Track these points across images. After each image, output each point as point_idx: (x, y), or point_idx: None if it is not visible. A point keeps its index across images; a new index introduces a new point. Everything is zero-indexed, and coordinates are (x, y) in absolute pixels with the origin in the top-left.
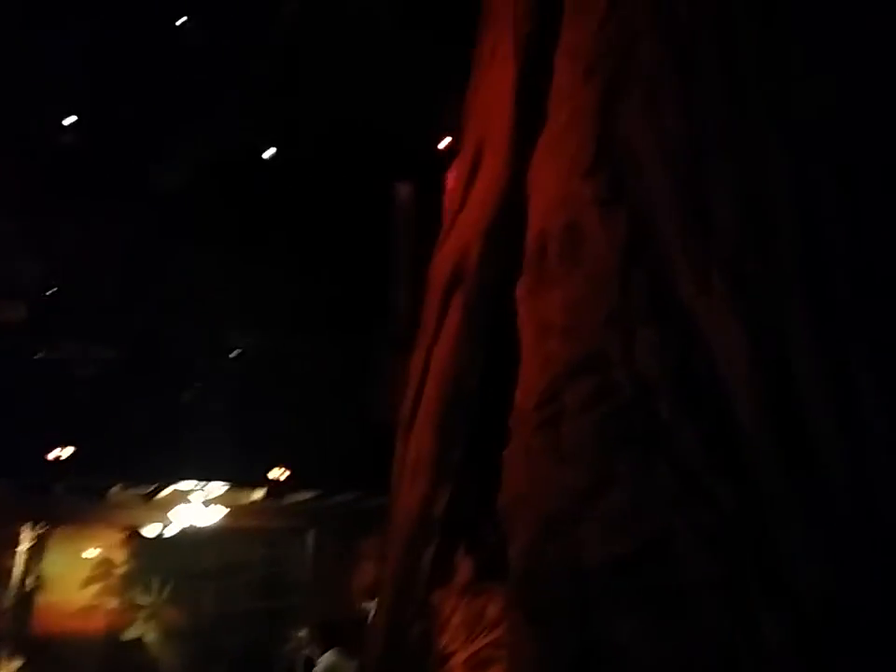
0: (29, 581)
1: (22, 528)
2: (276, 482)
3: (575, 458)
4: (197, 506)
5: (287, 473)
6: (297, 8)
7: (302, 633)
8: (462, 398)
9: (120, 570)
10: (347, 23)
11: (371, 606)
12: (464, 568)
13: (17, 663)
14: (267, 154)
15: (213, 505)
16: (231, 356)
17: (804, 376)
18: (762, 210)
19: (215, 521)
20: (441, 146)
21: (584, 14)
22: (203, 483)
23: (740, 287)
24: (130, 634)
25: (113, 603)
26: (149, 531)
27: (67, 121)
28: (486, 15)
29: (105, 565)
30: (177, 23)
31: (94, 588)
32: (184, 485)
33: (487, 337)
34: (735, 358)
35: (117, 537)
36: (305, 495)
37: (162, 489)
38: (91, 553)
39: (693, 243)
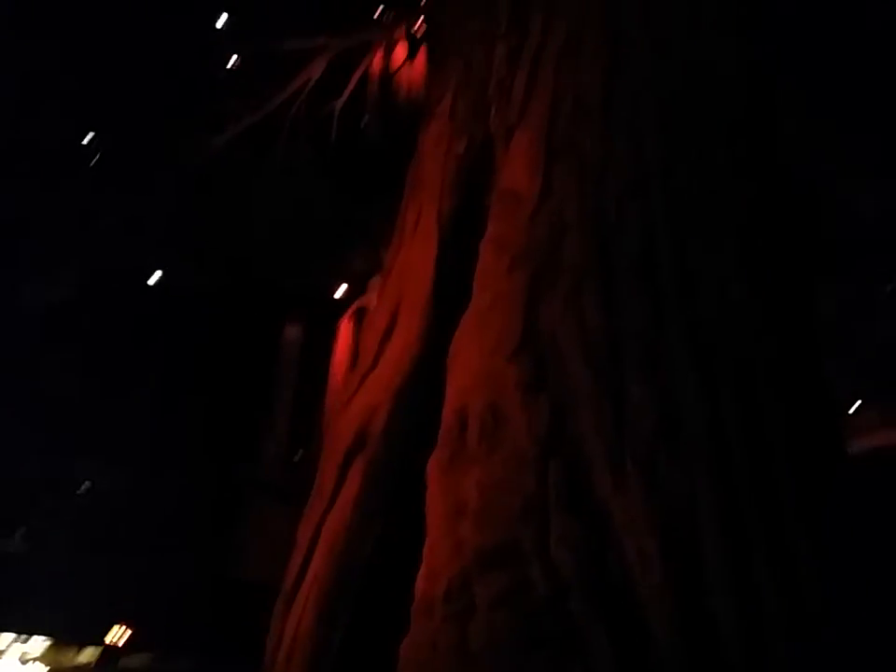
0: None
1: None
2: (113, 645)
3: (485, 659)
4: (12, 663)
5: (128, 633)
6: (220, 149)
7: None
8: (351, 577)
9: None
10: (267, 169)
11: None
12: None
13: None
14: (153, 279)
15: (32, 663)
16: (78, 491)
17: (713, 575)
18: (671, 404)
19: None
20: (337, 294)
21: (513, 206)
22: (24, 636)
23: (653, 483)
24: None
25: None
26: None
27: None
28: (413, 185)
29: None
30: (84, 141)
31: None
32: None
33: (387, 511)
34: (650, 567)
35: None
36: (144, 658)
37: None
38: None
39: (609, 435)
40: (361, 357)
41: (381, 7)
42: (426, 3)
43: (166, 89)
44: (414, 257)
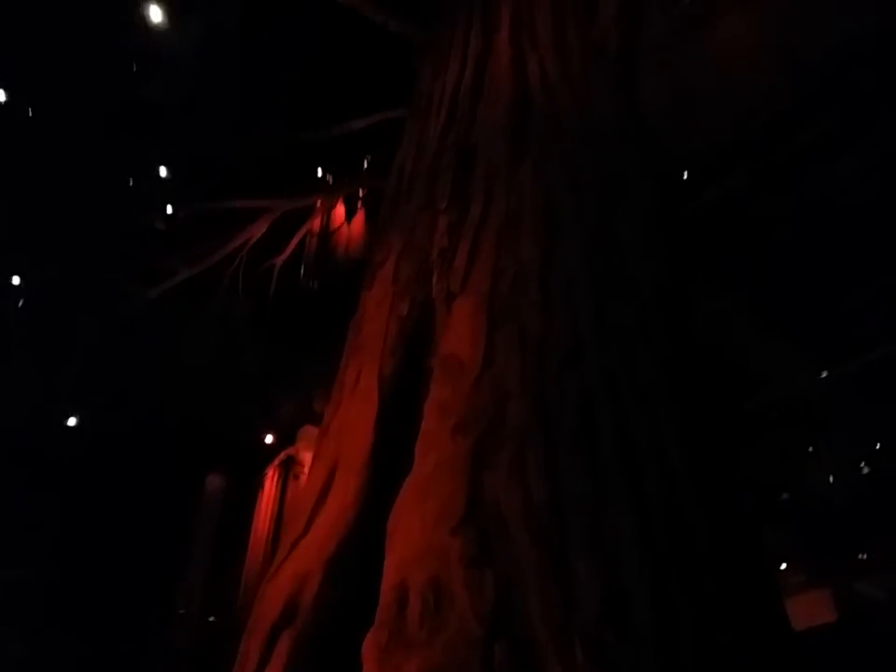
0: None
1: None
2: None
3: None
4: None
5: None
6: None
7: None
8: None
9: None
10: (199, 316)
11: None
12: None
13: None
14: (71, 421)
15: None
16: None
17: None
18: (617, 582)
19: None
20: (265, 441)
21: (455, 371)
22: None
23: (602, 667)
24: None
25: None
26: None
27: None
28: (354, 345)
29: None
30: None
31: None
32: None
33: None
34: None
35: None
36: None
37: None
38: None
39: (557, 616)
40: (292, 521)
41: (324, 171)
42: (367, 171)
43: (101, 234)
44: (353, 417)
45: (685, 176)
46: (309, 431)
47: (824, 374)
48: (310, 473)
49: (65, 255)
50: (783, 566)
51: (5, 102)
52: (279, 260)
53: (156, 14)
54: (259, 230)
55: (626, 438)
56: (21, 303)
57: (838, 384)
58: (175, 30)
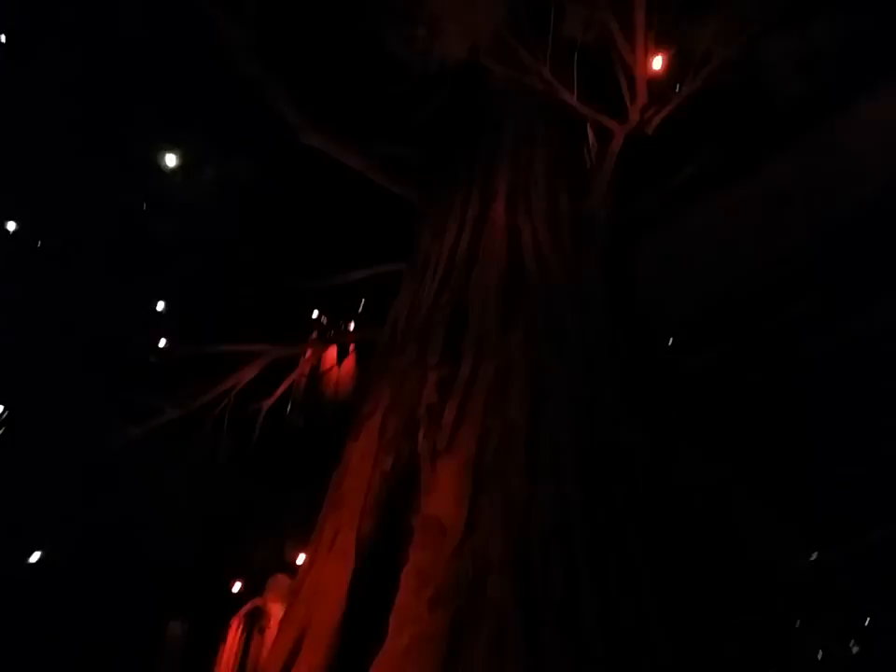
0: None
1: None
2: None
3: None
4: None
5: None
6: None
7: None
8: None
9: None
10: (180, 451)
11: None
12: None
13: None
14: (33, 557)
15: None
16: None
17: None
18: None
19: None
20: (232, 589)
21: (436, 536)
22: None
23: None
24: None
25: None
26: None
27: None
28: (335, 500)
29: None
30: None
31: None
32: None
33: None
34: None
35: None
36: None
37: None
38: None
39: None
40: None
41: (318, 315)
42: (360, 320)
43: (90, 365)
44: (327, 577)
45: (671, 342)
46: (279, 581)
47: (815, 555)
48: (278, 637)
49: (51, 382)
50: None
51: (13, 231)
52: (266, 404)
53: (171, 160)
54: (249, 374)
55: (612, 621)
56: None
57: (832, 563)
58: (189, 175)
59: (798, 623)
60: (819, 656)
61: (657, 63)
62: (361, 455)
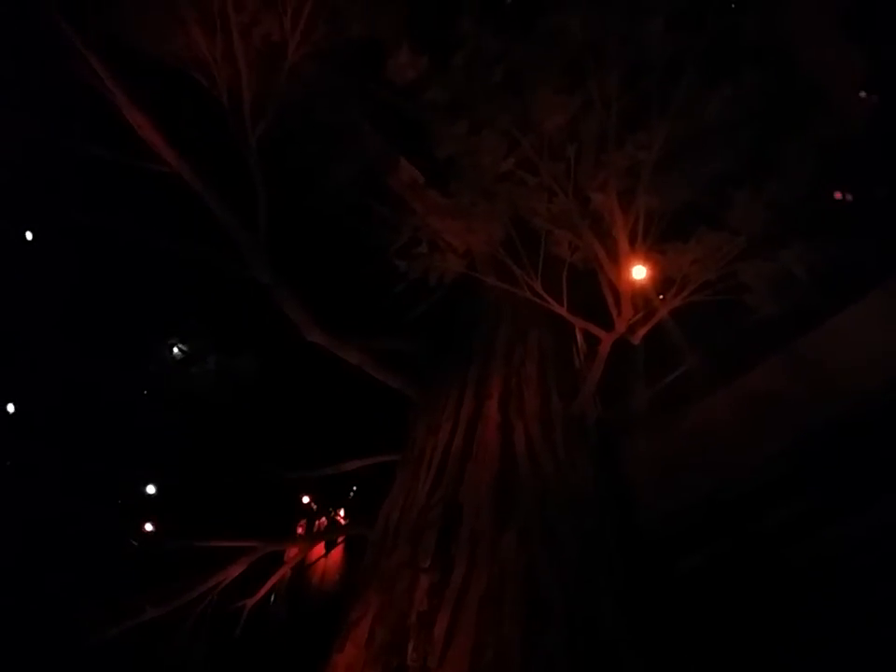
0: None
1: None
2: None
3: None
4: None
5: None
6: None
7: None
8: None
9: None
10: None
11: None
12: None
13: None
14: None
15: None
16: None
17: None
18: None
19: None
20: None
21: None
22: None
23: None
24: None
25: None
26: None
27: None
28: None
29: None
30: None
31: None
32: None
33: None
34: None
35: None
36: None
37: None
38: None
39: None
40: None
41: (307, 502)
42: (351, 504)
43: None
44: None
45: (662, 541)
46: None
47: None
48: None
49: (31, 572)
50: None
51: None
52: (250, 602)
53: (174, 350)
54: (236, 570)
55: None
56: None
57: None
58: (190, 366)
59: None
60: None
61: (640, 278)
62: (346, 666)
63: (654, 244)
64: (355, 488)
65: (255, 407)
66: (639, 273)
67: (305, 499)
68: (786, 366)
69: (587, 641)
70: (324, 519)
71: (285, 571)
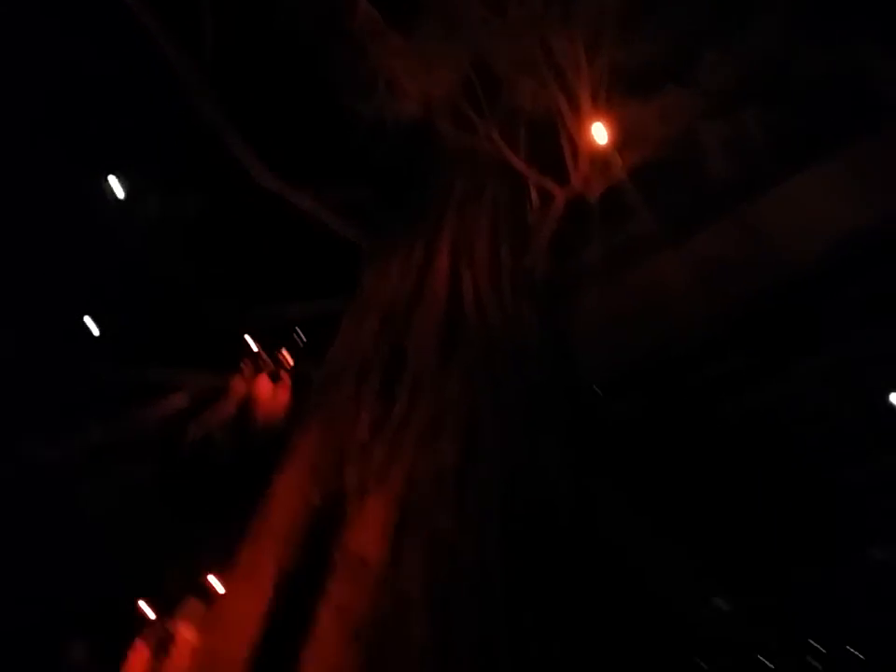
0: None
1: None
2: None
3: None
4: None
5: None
6: None
7: None
8: None
9: None
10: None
11: None
12: None
13: None
14: None
15: None
16: None
17: None
18: None
19: None
20: (141, 610)
21: (359, 571)
22: None
23: None
24: None
25: None
26: None
27: None
28: (258, 529)
29: None
30: None
31: None
32: None
33: None
34: None
35: None
36: None
37: None
38: None
39: None
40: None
41: (252, 345)
42: (297, 349)
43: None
44: (243, 605)
45: (600, 392)
46: (192, 606)
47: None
48: (186, 663)
49: None
50: None
51: None
52: (193, 432)
53: (118, 188)
54: (178, 402)
55: (522, 655)
56: None
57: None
58: (136, 203)
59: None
60: None
61: (600, 136)
62: (289, 487)
63: (617, 99)
64: (301, 333)
65: (200, 250)
66: (600, 129)
67: (251, 342)
68: (735, 230)
69: (524, 476)
70: (269, 360)
71: (229, 404)
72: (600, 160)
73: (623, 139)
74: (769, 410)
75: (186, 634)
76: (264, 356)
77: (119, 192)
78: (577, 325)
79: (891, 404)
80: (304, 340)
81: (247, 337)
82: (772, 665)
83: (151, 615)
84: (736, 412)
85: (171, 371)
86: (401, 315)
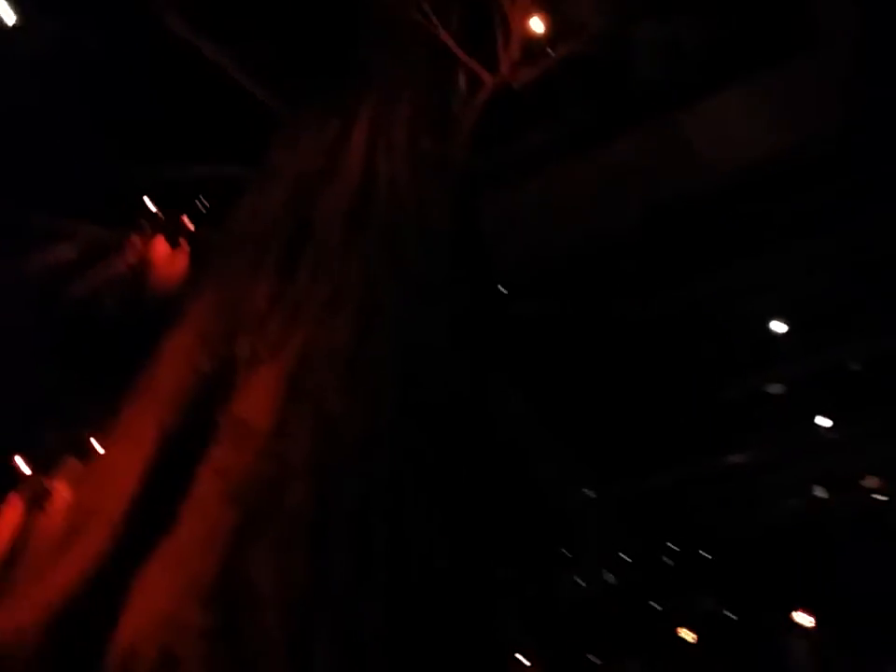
0: None
1: None
2: None
3: None
4: None
5: None
6: None
7: None
8: None
9: None
10: None
11: None
12: None
13: None
14: None
15: None
16: None
17: None
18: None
19: None
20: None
21: (242, 437)
22: None
23: None
24: None
25: None
26: None
27: None
28: (142, 389)
29: None
30: None
31: None
32: None
33: None
34: None
35: None
36: None
37: None
38: None
39: None
40: (25, 566)
41: (150, 205)
42: (198, 215)
43: None
44: (122, 463)
45: (504, 289)
46: (70, 464)
47: (593, 492)
48: (61, 517)
49: None
50: (518, 655)
51: None
52: (85, 284)
53: (9, 15)
54: (66, 252)
55: (401, 539)
56: None
57: (604, 501)
58: (26, 30)
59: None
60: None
61: (535, 24)
62: (178, 349)
63: None
64: (204, 199)
65: (98, 91)
66: (534, 20)
67: (149, 202)
68: (654, 138)
69: (419, 360)
70: (168, 222)
71: (123, 260)
72: (532, 49)
73: (556, 29)
74: (665, 319)
75: (62, 490)
76: (162, 217)
77: (9, 18)
78: (488, 223)
79: (773, 331)
80: (207, 206)
81: (145, 197)
82: (629, 560)
83: (27, 470)
84: (634, 317)
85: (59, 220)
86: (310, 189)
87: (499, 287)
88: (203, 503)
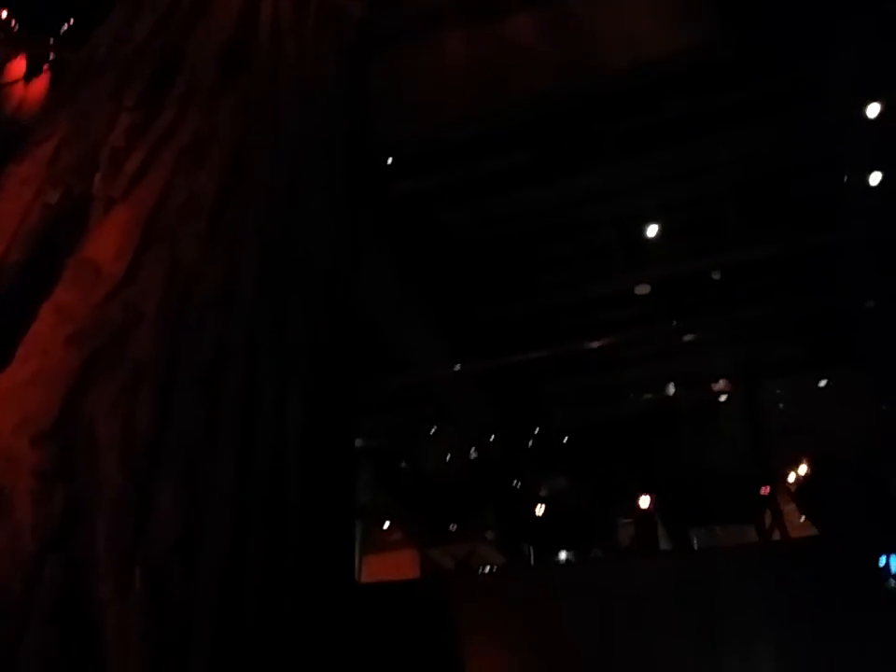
0: None
1: None
2: None
3: None
4: None
5: None
6: None
7: None
8: None
9: None
10: None
11: None
12: None
13: None
14: None
15: None
16: None
17: None
18: (199, 518)
19: None
20: None
21: (90, 278)
22: None
23: (158, 594)
24: None
25: None
26: None
27: None
28: None
29: None
30: None
31: None
32: None
33: None
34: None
35: None
36: None
37: None
38: None
39: (123, 539)
40: None
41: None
42: (64, 34)
43: None
44: None
45: (389, 161)
46: None
47: (457, 367)
48: None
49: None
50: (386, 524)
51: None
52: None
53: None
54: None
55: (253, 391)
56: None
57: (467, 377)
58: None
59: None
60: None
61: None
62: (22, 180)
63: None
64: (69, 21)
65: None
66: None
67: (4, 14)
68: (550, 22)
69: (286, 214)
70: (27, 42)
71: None
72: None
73: None
74: (534, 213)
75: None
76: (25, 35)
77: None
78: (373, 90)
79: (646, 237)
80: (70, 27)
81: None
82: (490, 436)
83: None
84: (504, 208)
85: None
86: (183, 19)
87: (384, 157)
88: (42, 340)
